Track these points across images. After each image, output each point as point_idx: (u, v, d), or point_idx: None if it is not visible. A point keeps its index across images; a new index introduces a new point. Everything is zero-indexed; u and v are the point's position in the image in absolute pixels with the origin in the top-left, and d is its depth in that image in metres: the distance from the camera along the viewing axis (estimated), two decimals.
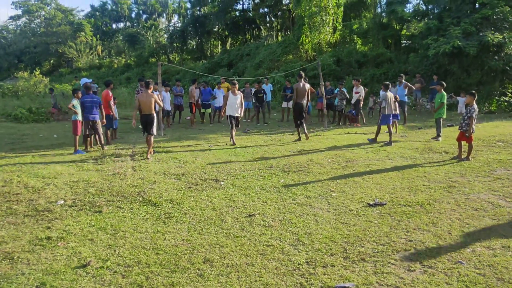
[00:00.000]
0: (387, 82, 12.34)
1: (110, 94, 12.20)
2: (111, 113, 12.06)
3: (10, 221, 5.56)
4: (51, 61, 57.75)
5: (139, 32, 52.22)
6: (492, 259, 4.29)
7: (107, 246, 4.77)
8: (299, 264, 4.29)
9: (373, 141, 11.54)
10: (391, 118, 11.64)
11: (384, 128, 11.82)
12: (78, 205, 6.25)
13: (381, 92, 12.23)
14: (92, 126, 10.79)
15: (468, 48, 17.93)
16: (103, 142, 11.00)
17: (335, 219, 5.59)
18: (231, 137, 11.59)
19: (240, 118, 11.95)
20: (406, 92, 15.12)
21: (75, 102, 10.83)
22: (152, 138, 10.02)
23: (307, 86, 12.07)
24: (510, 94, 18.88)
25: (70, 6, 66.99)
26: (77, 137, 10.72)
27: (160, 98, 12.01)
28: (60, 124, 17.17)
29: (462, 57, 18.91)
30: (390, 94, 11.61)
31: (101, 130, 11.00)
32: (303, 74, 12.06)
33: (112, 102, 12.14)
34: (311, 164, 8.90)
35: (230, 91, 11.75)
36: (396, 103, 13.54)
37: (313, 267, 4.21)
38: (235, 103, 11.56)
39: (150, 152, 9.95)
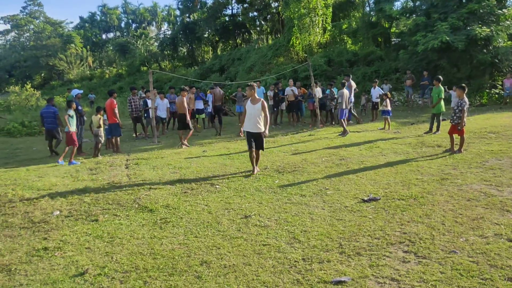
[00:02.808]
0: (344, 81, 14.02)
1: (115, 102, 12.34)
2: (117, 121, 12.21)
3: (7, 234, 5.56)
4: (42, 74, 57.72)
5: (129, 41, 52.25)
6: (485, 247, 4.35)
7: (104, 254, 4.79)
8: (295, 261, 4.32)
9: (344, 134, 12.76)
10: (345, 112, 13.21)
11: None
12: (74, 215, 6.25)
13: (340, 90, 13.46)
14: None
15: (456, 43, 18.08)
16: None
17: (330, 216, 5.63)
18: (252, 164, 8.45)
19: (264, 135, 8.28)
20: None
21: (71, 113, 10.86)
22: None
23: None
24: (500, 87, 19.05)
25: (59, 19, 66.94)
26: (75, 148, 10.77)
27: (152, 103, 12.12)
28: None
29: (451, 52, 19.07)
30: (346, 92, 13.20)
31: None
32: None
33: (116, 110, 12.27)
34: (305, 163, 8.95)
35: (248, 99, 8.50)
36: (388, 100, 13.70)
37: (309, 264, 4.25)
38: (255, 115, 8.20)
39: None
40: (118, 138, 12.38)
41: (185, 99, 12.35)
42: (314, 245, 4.70)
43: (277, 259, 4.40)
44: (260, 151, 8.49)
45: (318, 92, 16.07)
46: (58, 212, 6.39)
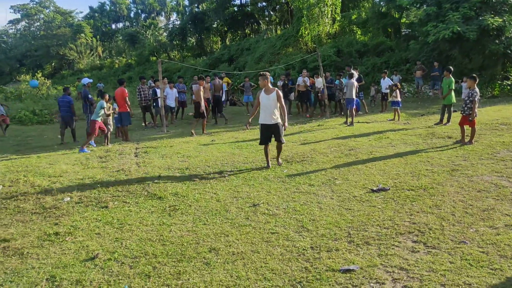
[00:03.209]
0: (351, 72, 14.36)
1: (126, 91, 12.38)
2: (128, 110, 12.25)
3: (19, 219, 5.63)
4: (53, 64, 58.00)
5: (138, 31, 52.28)
6: (495, 238, 4.32)
7: (114, 239, 4.83)
8: (304, 249, 4.33)
9: (351, 124, 12.86)
10: (354, 101, 13.26)
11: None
12: (85, 202, 6.31)
13: (345, 80, 13.85)
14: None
15: (468, 33, 17.83)
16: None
17: (339, 205, 5.62)
18: (267, 158, 8.03)
19: (284, 128, 7.83)
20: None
21: (104, 104, 11.11)
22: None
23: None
24: None
25: (68, 8, 67.20)
26: (92, 137, 10.87)
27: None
28: None
29: (463, 42, 18.80)
30: (352, 82, 13.34)
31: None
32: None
33: (127, 99, 12.31)
34: (314, 153, 8.93)
35: (262, 90, 7.82)
36: (398, 91, 13.59)
37: (317, 252, 4.25)
38: (270, 106, 7.65)
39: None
40: (127, 127, 12.44)
41: (201, 88, 12.66)
42: (323, 234, 4.70)
43: (286, 247, 4.41)
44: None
45: (318, 82, 16.07)
46: (68, 199, 6.46)
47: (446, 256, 4.01)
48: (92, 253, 4.47)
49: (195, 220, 5.34)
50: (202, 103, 12.54)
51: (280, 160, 8.27)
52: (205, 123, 13.05)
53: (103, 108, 11.03)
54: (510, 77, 19.17)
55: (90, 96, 12.48)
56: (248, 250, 4.39)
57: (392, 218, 5.05)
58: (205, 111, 12.75)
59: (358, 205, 5.60)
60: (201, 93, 12.58)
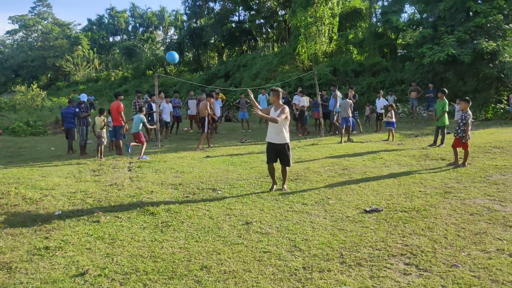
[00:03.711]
0: (347, 92, 15.30)
1: (122, 105, 12.36)
2: (123, 124, 12.22)
3: (8, 232, 5.57)
4: (48, 75, 57.96)
5: (136, 45, 52.46)
6: (487, 262, 4.32)
7: (105, 255, 4.78)
8: (295, 269, 4.31)
9: (350, 140, 13.62)
10: (350, 120, 13.96)
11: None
12: (76, 216, 6.26)
13: (343, 100, 14.37)
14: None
15: (462, 56, 18.10)
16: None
17: (331, 225, 5.62)
18: (272, 178, 7.63)
19: (288, 149, 7.33)
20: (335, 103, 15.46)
21: (143, 118, 11.74)
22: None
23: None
24: (505, 102, 19.03)
25: (67, 20, 67.12)
26: (144, 145, 11.55)
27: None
28: (58, 137, 17.22)
29: (457, 65, 19.07)
30: (348, 102, 14.02)
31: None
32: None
33: (122, 113, 12.29)
34: (308, 172, 8.95)
35: (272, 106, 7.44)
36: (393, 112, 13.71)
37: (309, 272, 4.23)
38: (278, 124, 7.13)
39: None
40: (121, 141, 12.38)
41: (209, 104, 13.18)
42: (315, 254, 4.68)
43: (277, 267, 4.39)
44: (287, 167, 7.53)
45: (303, 101, 16.23)
46: (60, 212, 6.41)
47: (438, 279, 4.00)
48: (82, 269, 4.42)
49: (187, 237, 5.30)
50: (207, 118, 12.89)
51: (285, 186, 7.61)
52: (203, 139, 13.07)
53: (143, 122, 11.79)
54: (503, 100, 19.40)
55: (77, 110, 12.51)
56: (240, 269, 4.36)
57: (385, 239, 5.04)
58: (205, 127, 12.93)
59: (351, 225, 5.60)
60: (207, 108, 12.96)
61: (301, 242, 5.04)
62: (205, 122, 12.87)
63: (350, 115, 13.88)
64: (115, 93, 13.42)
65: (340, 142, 13.32)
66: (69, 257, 4.76)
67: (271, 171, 7.55)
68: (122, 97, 13.31)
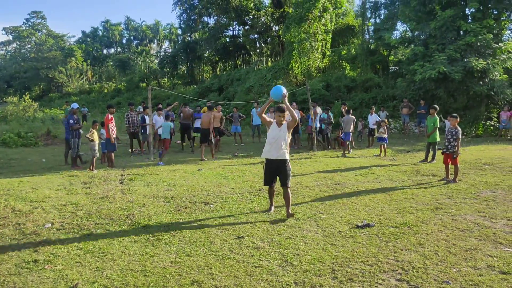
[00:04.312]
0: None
1: (110, 117, 12.31)
2: (109, 136, 12.15)
3: None
4: (41, 86, 57.86)
5: (130, 57, 52.62)
6: (477, 279, 4.34)
7: (95, 269, 4.73)
8: (287, 284, 4.29)
9: (343, 155, 13.95)
10: (350, 135, 14.69)
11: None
12: (66, 228, 6.20)
13: (345, 117, 15.10)
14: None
15: (453, 74, 18.35)
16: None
17: (323, 240, 5.61)
18: (270, 200, 7.14)
19: (288, 167, 6.79)
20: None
21: (171, 124, 13.21)
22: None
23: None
24: (495, 119, 19.26)
25: (61, 32, 67.30)
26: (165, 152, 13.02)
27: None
28: (49, 149, 17.11)
29: (448, 83, 19.32)
30: (350, 117, 14.76)
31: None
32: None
33: (111, 126, 12.22)
34: (300, 187, 8.96)
35: (273, 121, 6.86)
36: (385, 127, 13.82)
37: None
38: (279, 137, 6.68)
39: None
40: (113, 154, 12.33)
41: (212, 116, 13.87)
42: (307, 269, 4.67)
43: (269, 282, 4.37)
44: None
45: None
46: (50, 225, 6.34)
47: None
48: (71, 283, 4.37)
49: (178, 251, 5.27)
50: (211, 131, 13.65)
51: (290, 211, 6.76)
52: (213, 149, 14.12)
53: (171, 127, 13.32)
54: (493, 117, 19.63)
55: (71, 121, 12.42)
56: (232, 284, 4.33)
57: (376, 255, 5.05)
58: (212, 139, 13.74)
59: (342, 240, 5.60)
60: (211, 121, 13.67)
61: (293, 257, 5.02)
62: (209, 134, 13.56)
63: (352, 130, 14.73)
64: (107, 106, 13.39)
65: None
66: (58, 270, 4.70)
67: (271, 194, 7.06)
68: (114, 109, 13.25)
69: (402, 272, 4.55)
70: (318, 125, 15.80)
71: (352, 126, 14.69)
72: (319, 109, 16.17)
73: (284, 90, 6.78)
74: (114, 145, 12.33)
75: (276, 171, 6.78)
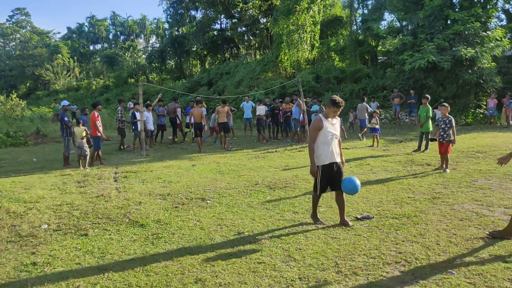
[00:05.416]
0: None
1: (96, 114, 12.10)
2: (98, 135, 11.95)
3: None
4: (27, 84, 57.08)
5: (117, 53, 52.09)
6: (480, 268, 4.35)
7: (96, 270, 4.66)
8: (292, 280, 4.26)
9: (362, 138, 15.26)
10: (365, 121, 15.91)
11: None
12: (63, 229, 6.11)
13: (359, 104, 16.38)
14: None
15: (442, 63, 18.45)
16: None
17: (324, 234, 5.59)
18: (315, 210, 6.12)
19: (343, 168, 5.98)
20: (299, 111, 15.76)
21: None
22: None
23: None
24: (484, 107, 19.42)
25: (46, 29, 66.58)
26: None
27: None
28: (39, 148, 16.89)
29: (437, 72, 19.42)
30: (364, 105, 16.30)
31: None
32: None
33: (98, 123, 12.03)
34: (296, 180, 8.94)
35: (319, 118, 5.81)
36: (377, 118, 13.84)
37: (306, 283, 4.19)
38: (337, 137, 5.88)
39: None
40: (100, 152, 12.11)
41: (202, 110, 14.38)
42: (310, 263, 4.65)
43: (273, 278, 4.34)
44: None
45: (259, 110, 16.73)
46: (46, 226, 6.25)
47: (434, 287, 4.01)
48: (72, 285, 4.29)
49: (179, 249, 5.21)
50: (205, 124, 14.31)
51: (347, 218, 6.05)
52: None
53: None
54: (482, 105, 19.79)
55: (66, 118, 12.20)
56: (236, 281, 4.29)
57: (378, 247, 5.04)
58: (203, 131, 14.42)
59: (343, 233, 5.58)
60: (203, 115, 14.25)
61: (295, 251, 5.00)
62: (202, 127, 14.20)
63: (367, 117, 15.96)
64: (93, 103, 13.02)
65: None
66: (58, 272, 4.62)
67: (317, 203, 6.13)
68: (101, 107, 13.02)
69: (405, 264, 4.55)
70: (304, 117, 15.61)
71: (366, 113, 15.96)
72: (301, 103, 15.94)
73: (358, 185, 5.81)
74: (99, 143, 12.03)
75: (333, 176, 5.85)
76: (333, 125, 5.81)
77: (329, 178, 5.82)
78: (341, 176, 5.87)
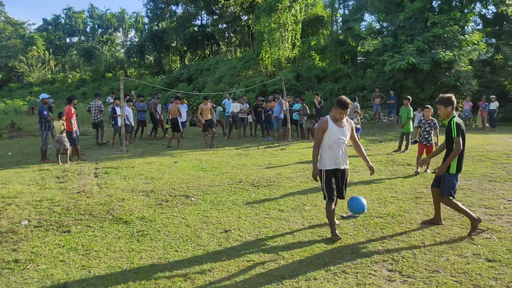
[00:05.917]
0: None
1: (73, 111, 11.82)
2: (71, 130, 11.63)
3: None
4: (0, 76, 55.46)
5: (94, 46, 51.19)
6: (465, 267, 4.43)
7: (81, 267, 4.57)
8: (282, 278, 4.26)
9: None
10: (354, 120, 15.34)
11: None
12: (44, 225, 5.96)
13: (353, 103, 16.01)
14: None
15: (422, 65, 18.77)
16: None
17: (311, 232, 5.62)
18: (332, 224, 5.41)
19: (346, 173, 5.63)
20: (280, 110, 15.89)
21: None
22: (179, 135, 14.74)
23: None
24: (461, 109, 19.84)
25: (20, 19, 64.78)
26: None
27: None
28: (14, 141, 16.46)
29: (417, 73, 19.75)
30: (354, 104, 15.85)
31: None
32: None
33: (73, 119, 11.75)
34: (280, 178, 8.95)
35: (326, 119, 5.42)
36: (358, 118, 13.98)
37: (296, 281, 4.19)
38: (343, 142, 5.41)
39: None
40: (78, 146, 11.88)
41: (179, 106, 14.97)
42: (299, 261, 4.66)
43: (263, 276, 4.33)
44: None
45: (233, 107, 16.71)
46: (26, 222, 6.09)
47: (422, 285, 4.07)
48: (58, 283, 4.20)
49: (165, 247, 5.15)
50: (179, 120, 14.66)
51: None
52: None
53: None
54: (459, 107, 20.20)
55: (46, 112, 11.90)
56: (225, 279, 4.26)
57: (365, 246, 5.09)
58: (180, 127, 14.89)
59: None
60: (180, 111, 14.90)
61: (283, 250, 5.00)
62: (178, 123, 14.56)
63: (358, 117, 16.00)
64: (68, 97, 12.66)
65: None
66: (42, 270, 4.51)
67: (333, 213, 5.45)
68: (76, 101, 12.74)
69: (392, 262, 4.60)
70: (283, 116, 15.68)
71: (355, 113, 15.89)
72: (284, 102, 15.99)
73: (365, 205, 5.65)
74: (73, 139, 11.73)
75: (340, 181, 5.52)
76: (341, 129, 5.32)
77: (336, 183, 5.43)
78: (345, 185, 5.56)
